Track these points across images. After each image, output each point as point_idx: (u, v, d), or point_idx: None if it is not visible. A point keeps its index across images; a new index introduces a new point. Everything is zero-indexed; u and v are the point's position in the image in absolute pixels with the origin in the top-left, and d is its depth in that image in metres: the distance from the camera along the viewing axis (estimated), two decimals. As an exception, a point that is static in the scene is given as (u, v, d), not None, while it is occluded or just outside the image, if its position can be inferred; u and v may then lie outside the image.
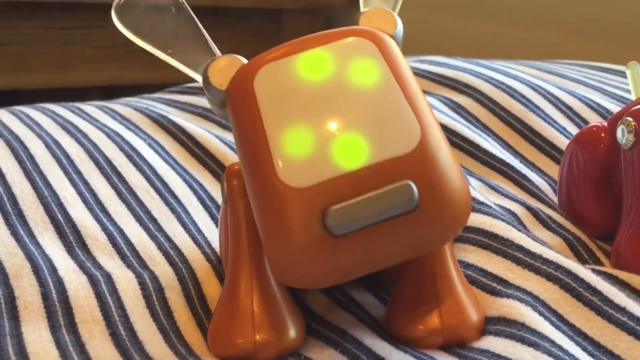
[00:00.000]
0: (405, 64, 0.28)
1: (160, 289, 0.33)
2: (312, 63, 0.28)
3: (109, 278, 0.34)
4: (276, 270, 0.27)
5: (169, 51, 0.30)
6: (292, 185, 0.26)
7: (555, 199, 0.45)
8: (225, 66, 0.29)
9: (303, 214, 0.26)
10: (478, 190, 0.44)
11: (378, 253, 0.26)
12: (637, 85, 0.44)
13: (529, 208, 0.42)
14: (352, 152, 0.26)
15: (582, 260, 0.39)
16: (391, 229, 0.26)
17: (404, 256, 0.27)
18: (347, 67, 0.28)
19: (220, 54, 0.30)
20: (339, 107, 0.27)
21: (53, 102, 0.56)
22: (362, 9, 0.30)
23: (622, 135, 0.39)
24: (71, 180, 0.42)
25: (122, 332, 0.31)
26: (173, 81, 0.74)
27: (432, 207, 0.26)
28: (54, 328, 0.31)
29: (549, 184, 0.47)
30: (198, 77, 0.30)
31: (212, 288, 0.34)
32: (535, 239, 0.36)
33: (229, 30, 1.10)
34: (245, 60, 0.29)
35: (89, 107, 0.55)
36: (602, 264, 0.39)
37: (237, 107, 0.28)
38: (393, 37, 0.29)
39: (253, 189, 0.27)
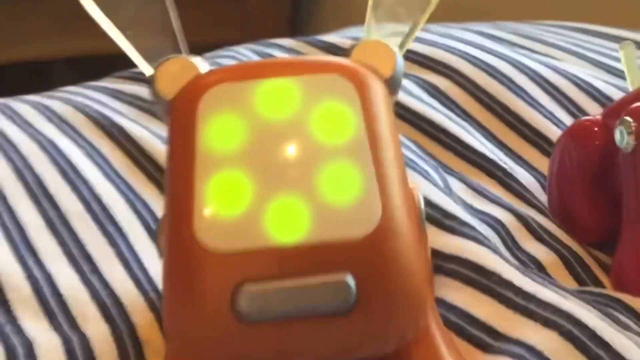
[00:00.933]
0: (388, 120, 0.23)
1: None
2: (273, 96, 0.23)
3: (30, 349, 0.29)
4: (172, 339, 0.23)
5: (127, 33, 0.24)
6: (207, 246, 0.22)
7: (544, 198, 0.41)
8: (177, 72, 0.24)
9: (211, 285, 0.21)
10: (459, 196, 0.39)
11: (296, 351, 0.22)
12: (632, 70, 0.39)
13: (518, 216, 0.38)
14: (288, 222, 0.21)
15: (579, 280, 0.35)
16: (314, 329, 0.21)
17: (336, 358, 0.23)
18: (312, 110, 0.22)
19: (186, 51, 0.25)
20: (290, 160, 0.22)
21: (18, 78, 0.50)
22: (363, 36, 0.25)
23: (621, 138, 0.34)
24: (-6, 209, 0.37)
25: None
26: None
27: (371, 312, 0.22)
28: None
29: (537, 180, 0.43)
30: (149, 73, 0.24)
31: (155, 349, 0.29)
32: (526, 272, 0.31)
33: (187, 11, 1.03)
34: (201, 68, 0.24)
35: (24, 107, 0.49)
36: (600, 283, 0.35)
37: (174, 131, 0.23)
38: (388, 80, 0.24)
39: (167, 239, 0.23)
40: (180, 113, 0.23)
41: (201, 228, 0.22)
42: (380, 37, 0.24)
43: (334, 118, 0.22)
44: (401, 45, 0.25)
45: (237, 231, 0.21)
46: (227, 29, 1.09)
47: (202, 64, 0.24)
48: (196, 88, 0.23)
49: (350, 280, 0.21)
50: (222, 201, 0.22)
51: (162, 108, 0.24)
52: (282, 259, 0.21)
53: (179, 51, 0.25)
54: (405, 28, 0.25)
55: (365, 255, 0.21)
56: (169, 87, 0.23)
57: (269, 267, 0.21)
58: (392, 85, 0.24)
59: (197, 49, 0.25)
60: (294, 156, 0.22)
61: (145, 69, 0.25)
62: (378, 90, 0.23)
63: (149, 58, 0.25)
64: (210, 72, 0.24)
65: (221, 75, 0.23)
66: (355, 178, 0.22)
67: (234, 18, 1.06)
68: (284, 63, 0.24)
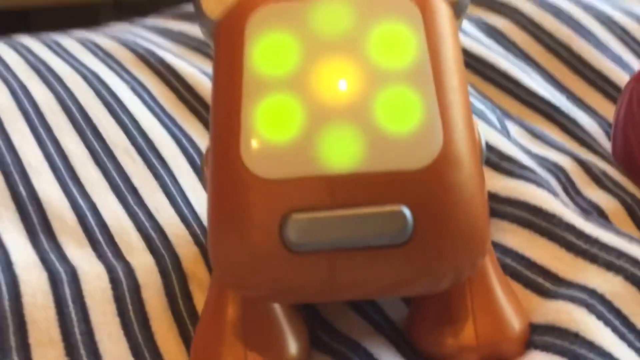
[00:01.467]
0: (453, 44, 0.21)
1: (135, 288, 0.28)
2: (328, 17, 0.21)
3: (74, 276, 0.28)
4: (217, 268, 0.22)
5: None
6: (256, 172, 0.21)
7: (608, 146, 0.39)
8: None
9: (259, 212, 0.20)
10: (517, 140, 0.37)
11: (347, 284, 0.21)
12: None
13: (580, 161, 0.36)
14: (341, 150, 0.20)
15: (643, 229, 0.33)
16: (367, 260, 0.20)
17: (387, 293, 0.22)
18: (371, 32, 0.21)
19: None
20: (345, 85, 0.20)
21: (66, 21, 0.49)
22: None
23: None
24: (38, 138, 0.36)
25: (84, 359, 0.26)
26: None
27: (428, 246, 0.20)
28: (2, 352, 0.26)
29: (602, 128, 0.40)
30: None
31: (200, 282, 0.29)
32: (588, 217, 0.30)
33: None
34: None
35: (69, 42, 0.48)
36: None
37: (219, 52, 0.22)
38: (454, 2, 0.22)
39: (211, 164, 0.22)
40: (226, 33, 0.22)
41: (249, 154, 0.20)
42: None
43: (394, 40, 0.21)
44: None
45: (287, 158, 0.20)
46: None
47: None
48: (244, 7, 0.22)
49: (407, 211, 0.20)
50: (271, 126, 0.20)
51: (208, 29, 0.22)
52: (334, 188, 0.20)
53: None
54: None
55: (423, 186, 0.20)
56: (215, 5, 0.22)
57: (319, 196, 0.20)
58: (458, 8, 0.22)
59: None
60: (349, 81, 0.20)
61: None
62: (443, 12, 0.21)
63: None
64: None
65: None
66: (415, 105, 0.20)
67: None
68: None
